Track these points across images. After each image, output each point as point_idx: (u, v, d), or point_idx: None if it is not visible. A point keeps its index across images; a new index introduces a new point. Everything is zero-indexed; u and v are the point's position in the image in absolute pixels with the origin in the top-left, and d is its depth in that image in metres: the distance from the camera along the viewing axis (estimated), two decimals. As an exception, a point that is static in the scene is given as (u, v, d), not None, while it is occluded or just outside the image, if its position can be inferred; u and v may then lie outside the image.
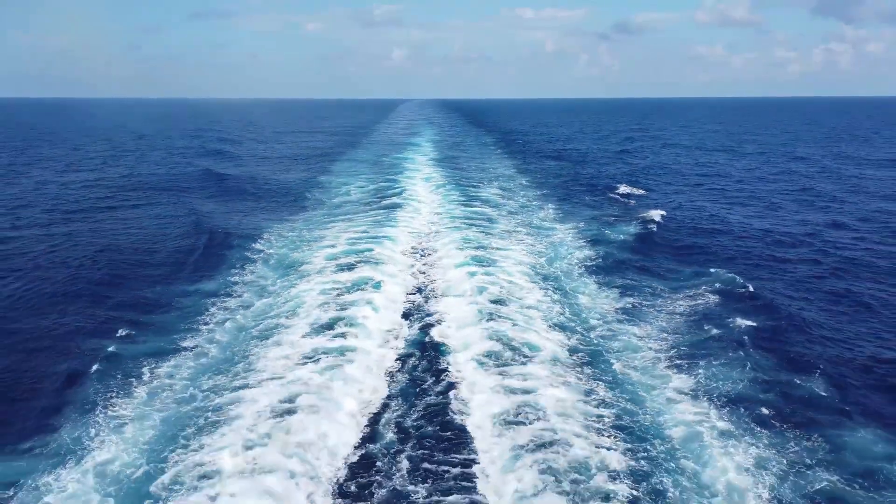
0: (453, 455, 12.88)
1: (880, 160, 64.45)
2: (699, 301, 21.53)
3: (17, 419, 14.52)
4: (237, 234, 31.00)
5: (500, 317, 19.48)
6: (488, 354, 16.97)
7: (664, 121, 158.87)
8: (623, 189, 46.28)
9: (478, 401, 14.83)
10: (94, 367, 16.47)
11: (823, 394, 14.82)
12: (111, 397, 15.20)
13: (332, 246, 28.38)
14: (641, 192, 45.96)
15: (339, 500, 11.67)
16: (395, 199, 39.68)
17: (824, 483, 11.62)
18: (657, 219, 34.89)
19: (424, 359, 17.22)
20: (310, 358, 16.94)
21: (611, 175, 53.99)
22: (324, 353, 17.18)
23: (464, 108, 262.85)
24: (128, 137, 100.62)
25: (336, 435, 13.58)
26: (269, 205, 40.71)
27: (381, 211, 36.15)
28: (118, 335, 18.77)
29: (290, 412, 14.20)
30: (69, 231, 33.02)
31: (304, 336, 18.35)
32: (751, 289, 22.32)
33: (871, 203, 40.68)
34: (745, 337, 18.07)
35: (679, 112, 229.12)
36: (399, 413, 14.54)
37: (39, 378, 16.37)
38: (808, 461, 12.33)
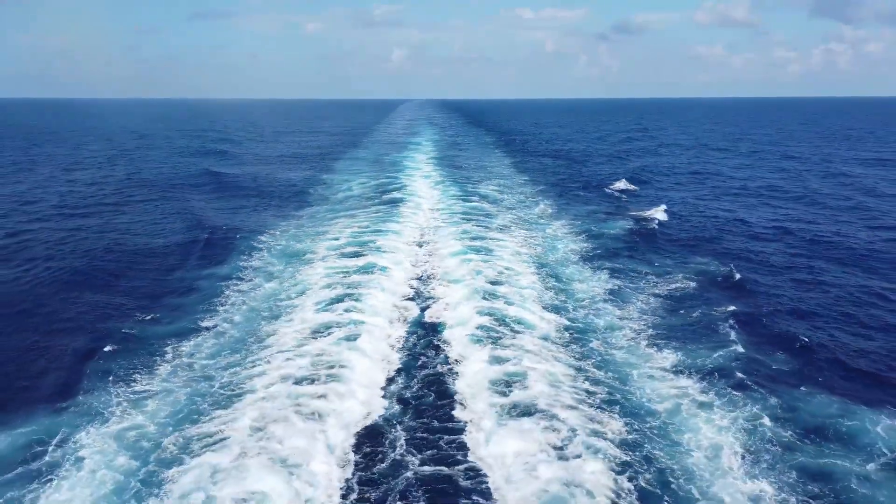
0: (449, 423, 14.07)
1: (867, 159, 65.66)
2: (684, 286, 23.02)
3: (52, 388, 15.75)
4: (242, 228, 32.30)
5: (494, 297, 20.89)
6: (482, 330, 18.31)
7: (663, 121, 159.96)
8: (619, 185, 47.60)
9: (472, 372, 16.12)
10: (119, 346, 17.77)
11: (785, 368, 16.35)
12: (134, 372, 16.42)
13: (336, 238, 29.58)
14: (635, 187, 47.36)
15: (346, 469, 12.56)
16: (396, 195, 40.88)
17: (785, 438, 13.12)
18: (650, 214, 36.34)
19: (426, 336, 18.59)
20: (321, 333, 18.31)
21: (607, 173, 55.14)
22: (337, 326, 18.64)
23: (464, 108, 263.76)
24: (129, 137, 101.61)
25: (346, 405, 14.66)
26: (272, 202, 41.80)
27: (383, 206, 37.28)
28: (140, 318, 20.12)
29: (308, 381, 15.51)
30: (79, 226, 34.21)
31: (317, 312, 19.86)
32: (736, 277, 23.85)
33: (855, 197, 42.07)
34: (724, 317, 19.54)
35: (678, 112, 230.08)
36: (403, 385, 15.77)
37: (66, 354, 17.53)
38: (773, 421, 13.72)
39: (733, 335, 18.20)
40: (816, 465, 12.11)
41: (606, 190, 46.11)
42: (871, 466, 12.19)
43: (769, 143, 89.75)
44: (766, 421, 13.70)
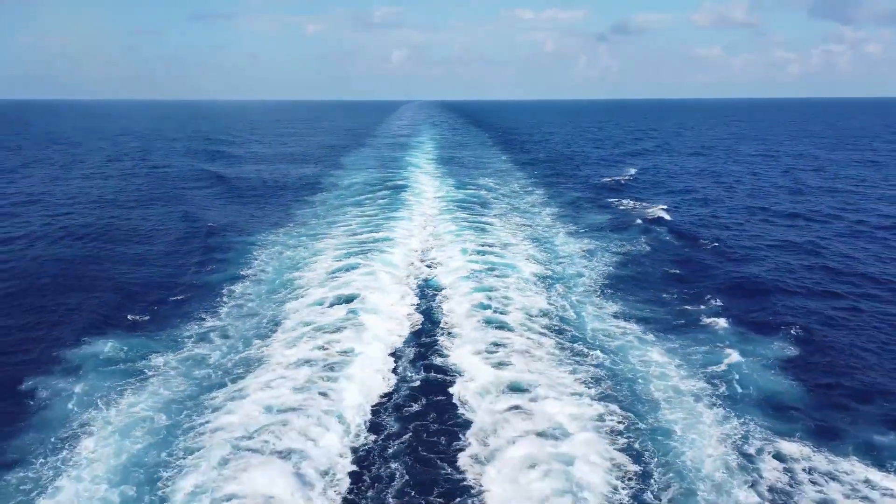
0: (440, 342, 17.78)
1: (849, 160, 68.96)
2: (642, 250, 27.92)
3: (132, 323, 19.57)
4: (257, 217, 35.82)
5: (484, 253, 25.64)
6: (473, 273, 22.92)
7: (660, 122, 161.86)
8: (606, 179, 51.07)
9: (461, 300, 20.42)
10: (187, 293, 21.94)
11: (704, 308, 20.77)
12: (201, 311, 20.24)
13: (348, 224, 32.75)
14: (621, 178, 51.32)
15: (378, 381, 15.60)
16: (400, 185, 44.55)
17: (698, 351, 17.46)
18: (635, 203, 40.04)
19: (427, 277, 23.34)
20: (342, 272, 22.99)
21: (600, 170, 58.27)
22: (356, 269, 23.20)
23: (464, 109, 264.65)
24: (138, 139, 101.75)
25: (371, 331, 18.09)
26: (283, 193, 44.56)
27: (388, 196, 40.52)
28: (206, 269, 24.96)
29: (331, 305, 19.69)
30: (114, 215, 37.14)
31: (338, 260, 24.65)
32: (689, 246, 28.81)
33: (807, 184, 46.21)
34: (668, 272, 24.77)
35: (676, 114, 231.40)
36: (414, 318, 19.55)
37: (143, 302, 21.22)
38: (697, 346, 17.76)
39: (671, 285, 23.17)
40: (717, 371, 16.22)
41: (596, 183, 49.13)
42: (746, 368, 16.36)
43: (753, 141, 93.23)
44: (692, 347, 17.65)
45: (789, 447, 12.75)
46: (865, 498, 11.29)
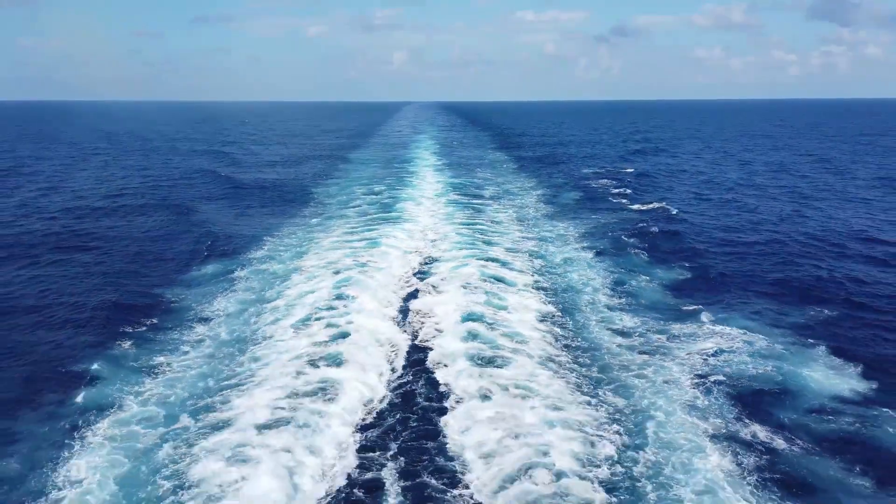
0: (433, 297, 22.21)
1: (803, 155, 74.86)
2: (611, 218, 34.76)
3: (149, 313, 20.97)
4: (263, 212, 39.03)
5: (476, 224, 32.28)
6: (466, 236, 29.28)
7: (658, 122, 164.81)
8: (595, 171, 56.96)
9: (448, 249, 27.03)
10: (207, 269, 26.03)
11: (643, 252, 27.86)
12: (226, 278, 24.48)
13: (359, 205, 38.25)
14: (611, 170, 57.19)
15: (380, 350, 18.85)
16: (403, 176, 50.57)
17: (633, 284, 23.82)
18: (615, 187, 46.69)
19: (428, 263, 27.67)
20: (353, 239, 29.06)
21: (591, 165, 62.88)
22: (367, 246, 27.96)
23: (464, 110, 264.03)
24: (146, 140, 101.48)
25: (367, 308, 20.72)
26: (290, 188, 47.89)
27: (394, 179, 46.63)
28: (219, 252, 29.38)
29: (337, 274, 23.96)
30: (157, 198, 42.80)
31: (351, 231, 30.84)
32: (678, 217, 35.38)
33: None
34: (625, 235, 30.78)
35: (674, 115, 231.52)
36: (423, 277, 24.44)
37: (158, 297, 22.60)
38: (627, 272, 24.87)
39: (644, 253, 28.44)
40: (640, 298, 22.36)
41: (587, 175, 54.44)
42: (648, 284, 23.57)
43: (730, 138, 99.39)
44: (631, 277, 24.29)
45: (676, 326, 19.28)
46: (709, 338, 18.38)
